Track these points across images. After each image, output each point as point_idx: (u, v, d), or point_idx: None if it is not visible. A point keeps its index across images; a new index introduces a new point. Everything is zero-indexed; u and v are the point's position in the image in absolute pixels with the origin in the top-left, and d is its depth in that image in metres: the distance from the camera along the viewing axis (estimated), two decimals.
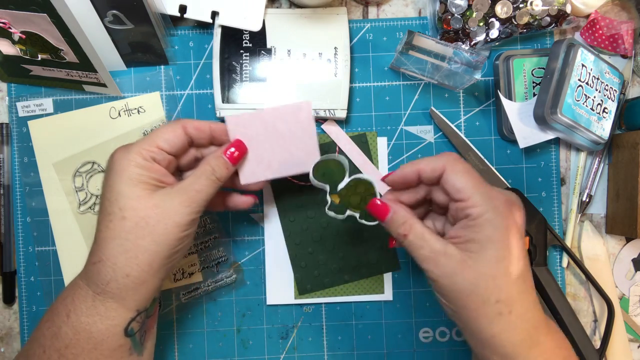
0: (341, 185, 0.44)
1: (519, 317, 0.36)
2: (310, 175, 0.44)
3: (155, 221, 0.38)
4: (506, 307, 0.35)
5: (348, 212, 0.44)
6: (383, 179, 0.42)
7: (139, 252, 0.38)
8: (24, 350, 0.41)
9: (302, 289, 0.54)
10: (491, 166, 0.53)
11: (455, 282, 0.36)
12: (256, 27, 0.51)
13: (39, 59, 0.49)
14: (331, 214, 0.44)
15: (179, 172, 0.45)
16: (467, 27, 0.51)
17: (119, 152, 0.40)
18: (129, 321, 0.39)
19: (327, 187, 0.44)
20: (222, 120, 0.53)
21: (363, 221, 0.43)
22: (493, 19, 0.51)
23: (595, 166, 0.54)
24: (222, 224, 0.54)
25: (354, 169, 0.53)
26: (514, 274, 0.36)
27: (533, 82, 0.52)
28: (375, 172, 0.53)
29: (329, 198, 0.44)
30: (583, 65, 0.49)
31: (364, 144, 0.54)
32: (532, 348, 0.36)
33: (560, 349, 0.38)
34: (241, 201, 0.47)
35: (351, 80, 0.54)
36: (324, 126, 0.53)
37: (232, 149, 0.42)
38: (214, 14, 0.51)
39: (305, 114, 0.44)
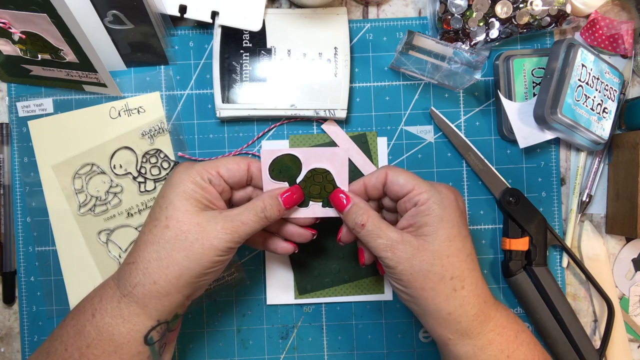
0: (299, 179, 0.44)
1: (471, 292, 0.39)
2: (267, 176, 0.44)
3: (194, 238, 0.39)
4: (459, 283, 0.39)
5: (311, 203, 0.45)
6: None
7: (171, 263, 0.38)
8: (44, 347, 0.41)
9: (302, 289, 0.54)
10: (491, 166, 0.53)
11: (412, 265, 0.39)
12: (256, 27, 0.51)
13: (39, 59, 0.49)
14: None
15: (230, 204, 0.46)
16: (467, 27, 0.51)
17: (181, 166, 0.41)
18: (150, 329, 0.40)
19: (286, 184, 0.44)
20: (223, 120, 0.53)
21: (327, 209, 0.45)
22: (493, 19, 0.51)
23: (595, 166, 0.54)
24: None
25: (354, 169, 0.53)
26: (464, 252, 0.40)
27: (533, 82, 0.52)
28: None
29: None
30: (583, 65, 0.49)
31: (364, 144, 0.54)
32: (485, 323, 0.40)
33: (512, 323, 0.42)
34: (281, 247, 0.46)
35: (351, 80, 0.54)
36: (324, 126, 0.53)
37: (289, 193, 0.43)
38: (214, 14, 0.51)
39: (341, 160, 0.45)
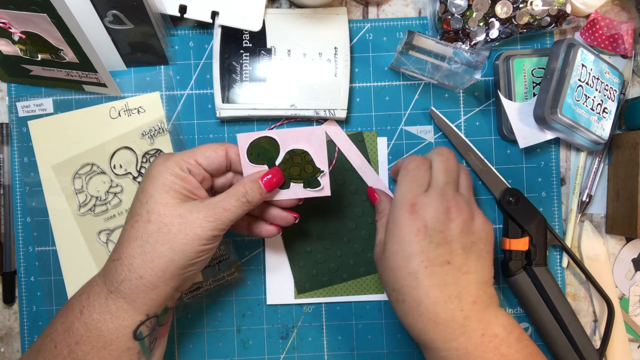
0: (278, 161, 0.44)
1: (412, 309, 0.40)
2: (246, 160, 0.44)
3: (177, 230, 0.38)
4: (400, 296, 0.41)
5: (292, 184, 0.45)
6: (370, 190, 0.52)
7: (156, 256, 0.38)
8: (36, 345, 0.41)
9: (300, 288, 0.54)
10: (491, 166, 0.53)
11: (377, 268, 0.44)
12: (256, 27, 0.51)
13: (39, 59, 0.49)
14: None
15: (212, 192, 0.46)
16: (467, 27, 0.51)
17: (159, 158, 0.41)
18: (138, 324, 0.39)
19: (265, 167, 0.44)
20: (223, 120, 0.53)
21: (308, 189, 0.45)
22: (493, 19, 0.51)
23: (595, 166, 0.54)
24: None
25: (351, 169, 0.53)
26: (406, 269, 0.40)
27: (533, 82, 0.52)
28: (372, 174, 0.53)
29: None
30: (583, 65, 0.49)
31: (360, 143, 0.54)
32: (428, 346, 0.40)
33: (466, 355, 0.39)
34: (265, 229, 0.46)
35: (351, 80, 0.54)
36: (325, 126, 0.53)
37: (270, 176, 0.43)
38: (214, 14, 0.51)
39: (319, 139, 0.44)
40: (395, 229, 0.41)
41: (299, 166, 0.45)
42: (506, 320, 0.40)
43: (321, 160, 0.44)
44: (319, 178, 0.45)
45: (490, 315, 0.40)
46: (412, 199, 0.41)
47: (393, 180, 0.53)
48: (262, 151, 0.44)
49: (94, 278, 0.41)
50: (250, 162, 0.44)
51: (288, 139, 0.44)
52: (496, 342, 0.39)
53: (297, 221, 0.47)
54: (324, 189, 0.45)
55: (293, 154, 0.44)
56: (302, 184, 0.45)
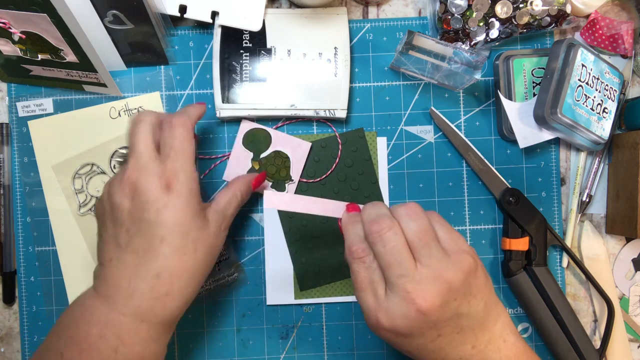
0: (263, 155, 0.52)
1: (418, 348, 0.38)
2: (239, 142, 0.52)
3: (216, 247, 0.42)
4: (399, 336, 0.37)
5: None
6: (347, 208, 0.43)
7: (201, 278, 0.40)
8: None
9: (303, 285, 0.54)
10: (491, 166, 0.53)
11: (381, 336, 0.39)
12: (256, 27, 0.51)
13: (39, 59, 0.49)
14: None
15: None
16: (467, 27, 0.51)
17: (173, 183, 0.39)
18: (171, 336, 0.42)
19: (252, 154, 0.52)
20: (222, 120, 0.53)
21: (274, 190, 0.52)
22: (493, 19, 0.51)
23: (595, 166, 0.54)
24: None
25: (353, 168, 0.53)
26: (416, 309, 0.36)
27: (533, 82, 0.52)
28: (333, 206, 0.44)
29: (250, 163, 0.52)
30: (583, 65, 0.49)
31: (362, 139, 0.54)
32: None
33: None
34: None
35: (351, 80, 0.54)
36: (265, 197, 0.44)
37: (259, 178, 0.48)
38: (214, 14, 0.51)
39: (302, 152, 0.52)
40: (403, 325, 0.36)
41: (277, 167, 0.52)
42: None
43: (296, 170, 0.52)
44: (287, 184, 0.52)
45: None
46: (410, 295, 0.35)
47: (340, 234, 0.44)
48: (256, 141, 0.52)
49: (108, 317, 0.38)
50: (243, 144, 0.52)
51: (279, 140, 0.52)
52: None
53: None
54: None
55: (277, 154, 0.52)
56: (271, 183, 0.52)
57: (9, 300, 0.53)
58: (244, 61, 0.52)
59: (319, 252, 0.54)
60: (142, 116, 0.41)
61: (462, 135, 0.53)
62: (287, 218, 0.54)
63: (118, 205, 0.39)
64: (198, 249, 0.39)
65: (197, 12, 0.51)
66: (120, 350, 0.38)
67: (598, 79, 0.50)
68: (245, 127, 0.52)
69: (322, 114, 0.52)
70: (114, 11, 0.48)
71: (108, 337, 0.38)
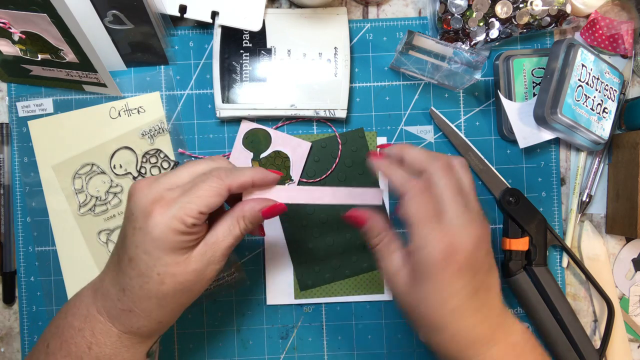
0: (263, 155, 0.52)
1: (451, 337, 0.38)
2: (240, 142, 0.52)
3: (192, 283, 0.37)
4: (438, 329, 0.38)
5: None
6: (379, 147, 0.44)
7: (175, 306, 0.39)
8: None
9: (303, 285, 0.54)
10: (491, 166, 0.53)
11: (399, 300, 0.40)
12: (256, 27, 0.51)
13: (39, 59, 0.49)
14: None
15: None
16: (467, 27, 0.51)
17: (156, 212, 0.36)
18: (151, 346, 0.40)
19: (252, 154, 0.52)
20: (223, 120, 0.53)
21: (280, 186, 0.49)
22: (493, 19, 0.51)
23: (595, 166, 0.54)
24: None
25: (354, 167, 0.53)
26: (448, 306, 0.38)
27: (533, 82, 0.52)
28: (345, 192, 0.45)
29: (250, 163, 0.53)
30: (583, 65, 0.49)
31: (362, 139, 0.54)
32: None
33: None
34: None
35: (351, 80, 0.54)
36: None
37: (273, 208, 0.40)
38: (214, 14, 0.51)
39: (302, 152, 0.52)
40: (428, 274, 0.38)
41: (277, 167, 0.52)
42: (520, 328, 0.41)
43: (296, 171, 0.52)
44: (286, 184, 0.51)
45: (509, 324, 0.40)
46: (440, 243, 0.37)
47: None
48: (256, 140, 0.52)
49: (89, 313, 0.39)
50: (243, 145, 0.52)
51: (279, 140, 0.52)
52: (518, 350, 0.39)
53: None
54: None
55: (277, 154, 0.52)
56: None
57: (9, 300, 0.54)
58: (244, 61, 0.52)
59: (319, 252, 0.54)
60: (218, 159, 0.40)
61: (462, 135, 0.53)
62: (288, 218, 0.54)
63: (126, 204, 0.38)
64: (165, 283, 0.36)
65: (197, 12, 0.51)
66: (93, 348, 0.38)
67: (598, 79, 0.50)
68: (245, 127, 0.53)
69: (322, 114, 0.52)
70: (114, 11, 0.48)
71: (85, 332, 0.38)
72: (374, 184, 0.54)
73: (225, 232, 0.38)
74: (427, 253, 0.37)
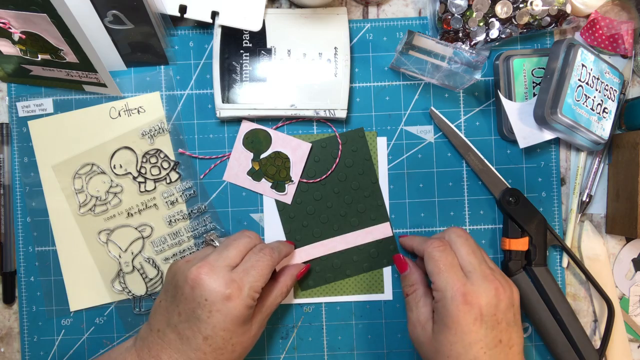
0: (264, 155, 0.52)
1: None
2: (240, 143, 0.52)
3: (252, 344, 0.45)
4: None
5: (263, 180, 0.52)
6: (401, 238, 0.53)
7: None
8: None
9: (304, 285, 0.54)
10: (491, 166, 0.53)
11: (422, 350, 0.44)
12: (256, 27, 0.51)
13: (39, 59, 0.49)
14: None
15: None
16: (467, 27, 0.51)
17: (234, 296, 0.41)
18: None
19: (252, 155, 0.52)
20: (223, 120, 0.53)
21: (274, 191, 0.52)
22: (493, 19, 0.51)
23: (595, 166, 0.54)
24: (223, 224, 0.54)
25: (353, 168, 0.53)
26: (466, 356, 0.41)
27: (533, 82, 0.52)
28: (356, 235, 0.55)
29: (250, 163, 0.53)
30: (583, 65, 0.49)
31: (362, 139, 0.54)
32: None
33: None
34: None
35: (351, 80, 0.54)
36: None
37: (303, 271, 0.52)
38: (214, 14, 0.51)
39: (302, 152, 0.53)
40: (451, 321, 0.41)
41: (277, 168, 0.52)
42: None
43: (296, 171, 0.52)
44: (286, 184, 0.52)
45: None
46: (461, 288, 0.42)
47: (403, 249, 0.54)
48: (256, 141, 0.53)
49: None
50: (243, 145, 0.52)
51: (279, 141, 0.52)
52: None
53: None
54: (287, 195, 0.53)
55: (277, 155, 0.52)
56: (270, 184, 0.52)
57: (9, 300, 0.54)
58: (244, 61, 0.52)
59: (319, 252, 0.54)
60: (252, 234, 0.47)
61: (462, 135, 0.53)
62: (288, 218, 0.54)
63: (180, 287, 0.42)
64: (236, 350, 0.43)
65: (197, 12, 0.51)
66: None
67: (598, 79, 0.50)
68: (246, 127, 0.53)
69: (322, 114, 0.52)
70: (114, 11, 0.48)
71: None
72: (374, 183, 0.54)
73: (272, 300, 0.47)
74: (450, 297, 0.41)
